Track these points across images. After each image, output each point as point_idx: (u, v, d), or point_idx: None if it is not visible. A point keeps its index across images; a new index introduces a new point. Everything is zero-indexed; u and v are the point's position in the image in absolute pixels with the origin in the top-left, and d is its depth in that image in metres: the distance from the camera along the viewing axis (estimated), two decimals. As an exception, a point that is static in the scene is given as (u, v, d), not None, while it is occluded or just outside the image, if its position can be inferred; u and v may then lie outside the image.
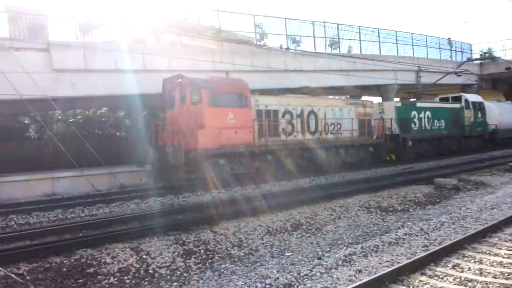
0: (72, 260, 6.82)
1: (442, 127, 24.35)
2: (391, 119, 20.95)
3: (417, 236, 8.16)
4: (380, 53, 27.08)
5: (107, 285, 6.26)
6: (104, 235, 8.12)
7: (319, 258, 7.26)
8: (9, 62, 14.11)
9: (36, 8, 16.96)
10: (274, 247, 8.17)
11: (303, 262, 7.11)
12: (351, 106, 19.16)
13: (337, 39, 25.25)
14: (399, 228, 9.20)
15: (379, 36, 27.31)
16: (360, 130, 19.00)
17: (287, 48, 22.60)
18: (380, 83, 27.42)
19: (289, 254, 7.72)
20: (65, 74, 15.67)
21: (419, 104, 23.87)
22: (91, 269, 6.62)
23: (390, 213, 10.93)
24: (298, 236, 8.89)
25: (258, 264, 7.20)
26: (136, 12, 19.95)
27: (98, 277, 6.45)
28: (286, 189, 13.66)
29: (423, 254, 6.57)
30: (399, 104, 23.23)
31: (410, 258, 6.53)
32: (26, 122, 20.09)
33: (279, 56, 21.72)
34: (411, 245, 7.47)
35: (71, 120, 19.86)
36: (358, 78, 24.24)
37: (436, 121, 23.90)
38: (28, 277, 6.12)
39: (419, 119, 22.95)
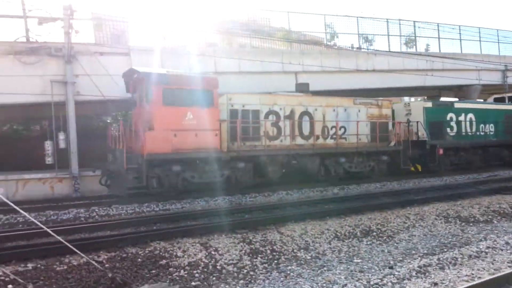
0: (147, 252, 7.17)
1: (491, 133, 20.52)
2: (417, 122, 17.94)
3: (501, 250, 7.47)
4: (461, 51, 25.28)
5: (177, 277, 6.48)
6: (176, 229, 8.45)
7: (390, 267, 6.90)
8: (94, 66, 15.33)
9: (118, 15, 18.18)
10: (342, 252, 7.93)
11: (373, 270, 6.82)
12: (360, 106, 16.19)
13: (413, 37, 23.99)
14: (481, 240, 8.48)
15: (460, 33, 25.49)
16: (372, 135, 16.21)
17: (359, 48, 21.95)
18: (461, 83, 25.51)
19: (358, 260, 7.44)
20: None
21: (458, 105, 20.20)
22: (164, 261, 6.90)
23: (471, 224, 10.12)
24: (368, 243, 8.55)
25: (325, 268, 7.03)
26: (209, 16, 20.62)
27: (170, 269, 6.70)
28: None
29: (509, 270, 5.97)
30: (430, 104, 19.23)
31: (493, 273, 5.98)
32: (108, 121, 21.65)
33: (350, 56, 21.16)
34: (494, 260, 6.84)
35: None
36: (436, 78, 22.78)
37: (481, 125, 20.13)
38: (106, 265, 6.53)
39: (458, 122, 19.33)
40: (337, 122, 15.55)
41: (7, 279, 5.79)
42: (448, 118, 19.18)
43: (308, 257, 7.60)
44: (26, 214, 6.24)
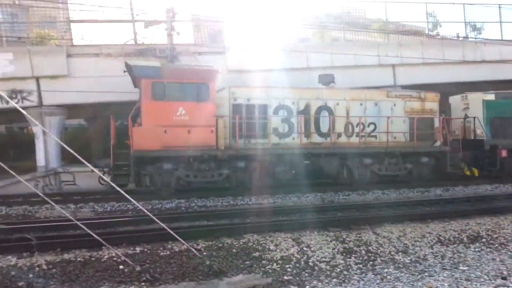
0: (241, 243, 7.37)
1: None
2: (474, 118, 15.31)
3: None
4: None
5: (270, 270, 6.56)
6: (268, 223, 8.56)
7: (503, 278, 6.21)
8: (193, 65, 16.18)
9: (214, 16, 18.99)
10: (445, 258, 7.32)
11: (482, 280, 6.20)
12: (396, 99, 14.17)
13: (532, 23, 21.23)
14: None
15: None
16: (411, 133, 14.10)
17: (465, 37, 20.06)
18: None
19: (465, 268, 6.81)
20: (237, 74, 17.12)
21: None
22: (257, 253, 7.04)
23: None
24: (477, 249, 7.78)
25: (426, 274, 6.56)
26: (301, 11, 20.52)
27: (263, 261, 6.81)
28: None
29: None
30: (492, 97, 16.03)
31: None
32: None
33: (456, 46, 19.43)
34: None
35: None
36: None
37: None
38: (204, 253, 6.86)
39: None
40: (360, 118, 13.65)
41: (118, 260, 6.39)
42: None
43: (407, 261, 7.16)
44: (135, 202, 6.82)
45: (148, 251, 6.85)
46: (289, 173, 13.01)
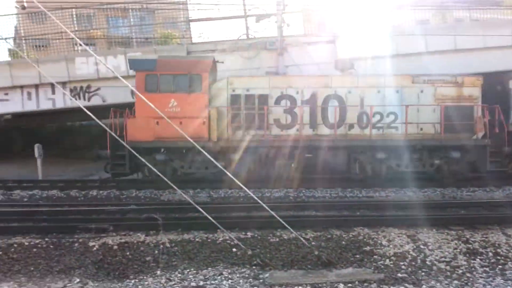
0: (350, 236, 7.18)
1: None
2: None
3: None
4: None
5: (382, 266, 6.28)
6: (381, 217, 8.19)
7: None
8: (302, 56, 16.17)
9: (323, 4, 18.66)
10: None
11: None
12: (424, 85, 12.25)
13: None
14: None
15: None
16: (445, 123, 11.95)
17: None
18: None
19: None
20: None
21: None
22: (368, 248, 6.79)
23: None
24: None
25: None
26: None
27: (374, 256, 6.55)
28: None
29: None
30: None
31: None
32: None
33: None
34: None
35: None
36: None
37: None
38: (313, 243, 6.85)
39: None
40: (371, 107, 12.03)
41: (232, 243, 6.75)
42: None
43: (547, 268, 6.22)
44: (247, 189, 7.09)
45: (259, 237, 7.09)
46: (288, 166, 12.19)
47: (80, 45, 16.47)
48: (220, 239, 6.94)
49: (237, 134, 12.17)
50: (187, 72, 11.87)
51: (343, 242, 6.97)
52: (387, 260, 6.43)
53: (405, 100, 12.21)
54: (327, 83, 12.45)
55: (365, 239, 7.06)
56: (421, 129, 12.23)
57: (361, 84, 12.43)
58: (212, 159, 7.43)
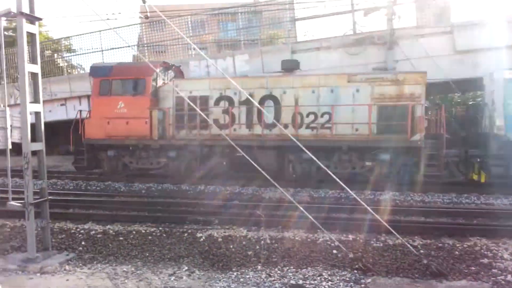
0: (465, 246, 6.51)
1: None
2: (486, 103, 12.14)
3: None
4: None
5: (502, 281, 5.55)
6: (503, 228, 7.27)
7: None
8: (414, 49, 15.12)
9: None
10: None
11: None
12: (360, 84, 11.83)
13: None
14: None
15: None
16: (380, 123, 11.55)
17: None
18: None
19: None
20: (467, 54, 15.08)
21: None
22: (485, 260, 6.07)
23: None
24: None
25: None
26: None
27: (493, 270, 5.83)
28: None
29: None
30: None
31: None
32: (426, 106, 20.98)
33: None
34: None
35: (470, 102, 19.09)
36: None
37: None
38: (421, 251, 6.36)
39: None
40: (320, 107, 12.04)
41: (332, 244, 6.61)
42: None
43: None
44: (349, 190, 6.85)
45: (361, 240, 6.83)
46: (220, 164, 12.96)
47: (194, 49, 17.73)
48: (321, 239, 6.85)
49: (181, 134, 13.09)
50: (133, 77, 13.10)
51: (456, 252, 6.35)
52: (509, 275, 5.67)
53: (340, 99, 11.99)
54: (262, 84, 12.71)
55: (482, 250, 6.34)
56: (357, 129, 11.85)
57: (296, 85, 12.44)
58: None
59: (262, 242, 6.88)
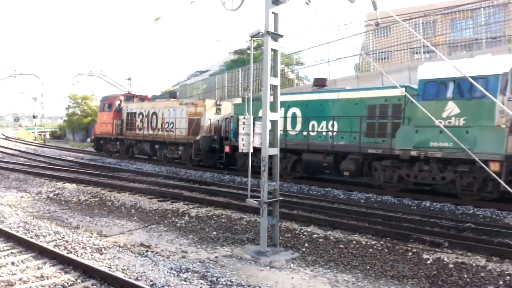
0: None
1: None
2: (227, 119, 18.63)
3: None
4: None
5: None
6: None
7: None
8: None
9: None
10: None
11: None
12: (183, 106, 20.42)
13: None
14: None
15: None
16: (188, 129, 19.73)
17: None
18: None
19: None
20: None
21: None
22: None
23: None
24: None
25: None
26: None
27: None
28: None
29: None
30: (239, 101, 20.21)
31: None
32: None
33: None
34: None
35: None
36: None
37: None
38: None
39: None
40: (171, 119, 20.82)
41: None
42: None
43: None
44: None
45: None
46: (145, 150, 22.78)
47: (424, 52, 16.52)
48: None
49: (128, 133, 23.32)
50: (108, 102, 24.95)
51: None
52: None
53: (176, 115, 20.65)
54: (153, 105, 22.48)
55: None
56: (181, 132, 20.15)
57: (161, 106, 21.74)
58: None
59: (508, 278, 5.70)
